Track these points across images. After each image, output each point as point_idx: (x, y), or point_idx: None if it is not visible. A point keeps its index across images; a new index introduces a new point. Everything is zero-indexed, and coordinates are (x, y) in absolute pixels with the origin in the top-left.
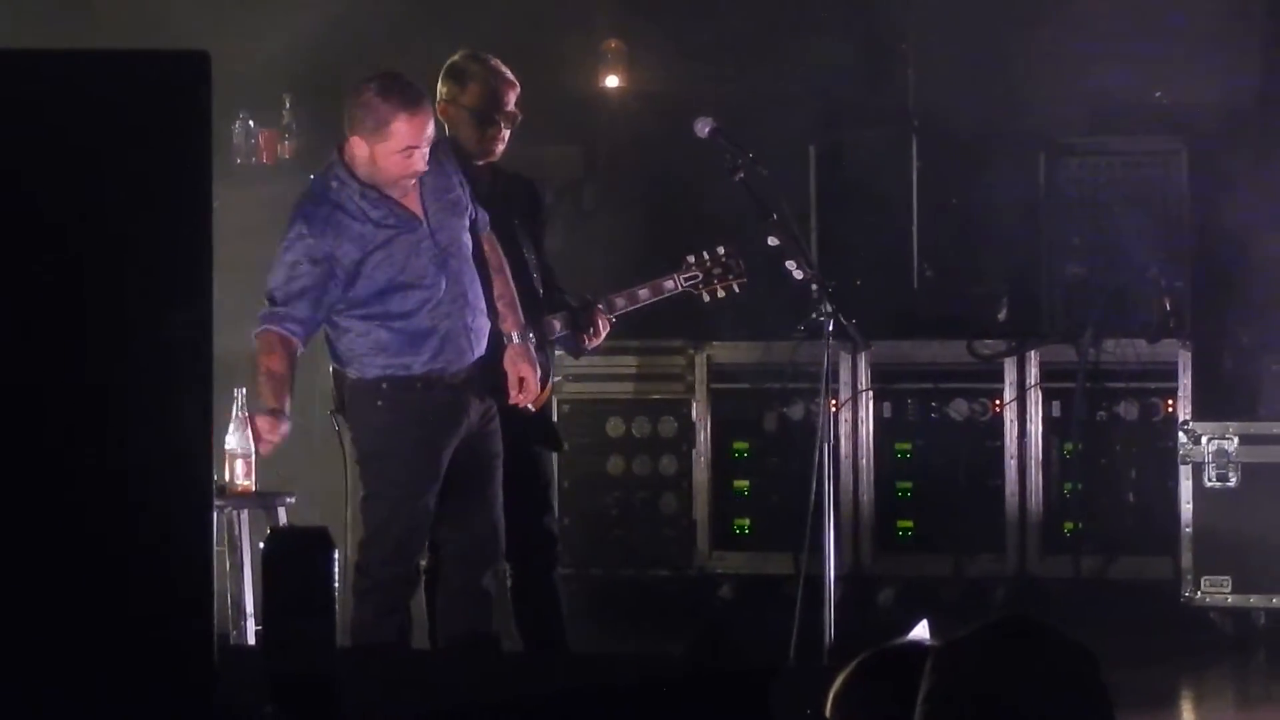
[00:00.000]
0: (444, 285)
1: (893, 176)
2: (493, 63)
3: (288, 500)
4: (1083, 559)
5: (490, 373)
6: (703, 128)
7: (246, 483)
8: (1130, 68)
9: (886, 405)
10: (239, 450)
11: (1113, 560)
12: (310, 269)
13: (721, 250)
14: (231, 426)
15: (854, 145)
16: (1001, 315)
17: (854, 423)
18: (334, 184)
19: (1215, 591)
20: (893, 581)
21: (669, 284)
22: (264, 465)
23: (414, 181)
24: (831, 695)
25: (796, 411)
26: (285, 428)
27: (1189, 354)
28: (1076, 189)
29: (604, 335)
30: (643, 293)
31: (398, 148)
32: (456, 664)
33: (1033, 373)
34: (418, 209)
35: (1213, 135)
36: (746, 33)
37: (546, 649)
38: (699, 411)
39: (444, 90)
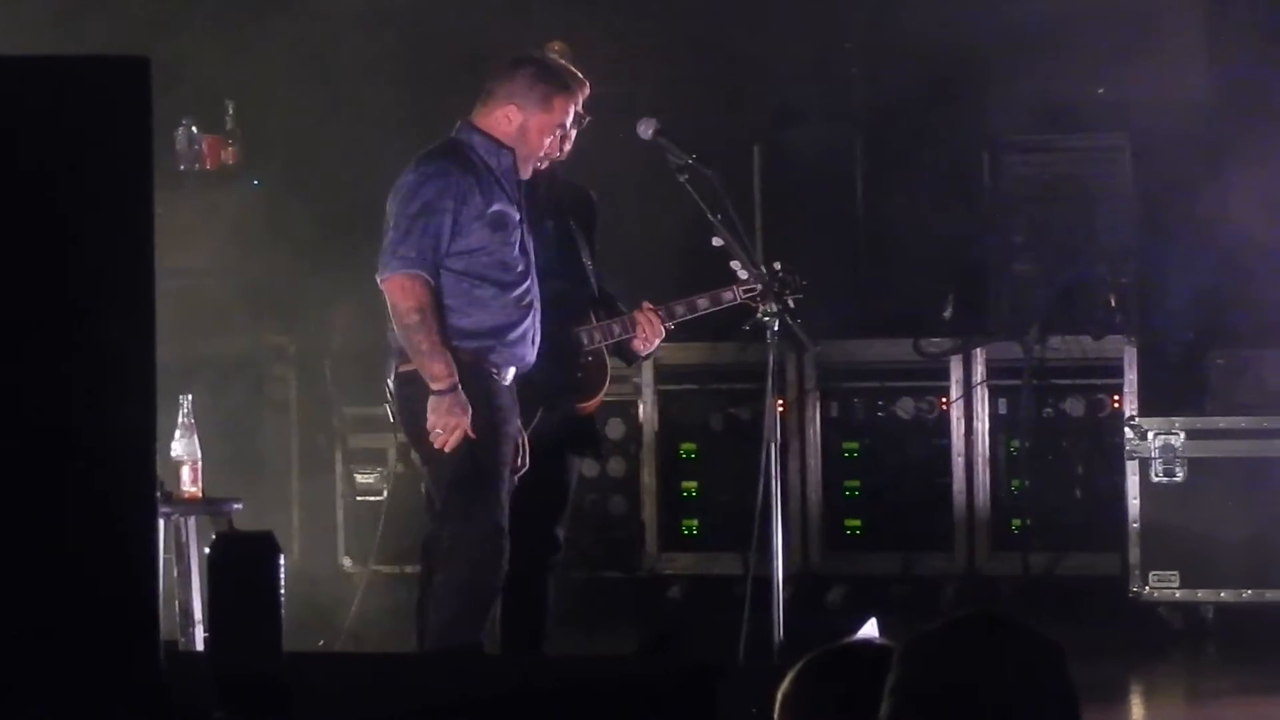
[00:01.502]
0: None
1: (838, 176)
2: (561, 63)
3: (235, 506)
4: (1031, 556)
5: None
6: (646, 129)
7: (193, 489)
8: (1075, 65)
9: (833, 405)
10: (185, 456)
11: (1061, 556)
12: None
13: (779, 265)
14: (178, 433)
15: (798, 145)
16: (947, 313)
17: (801, 422)
18: (463, 137)
19: (1163, 586)
20: (841, 580)
21: (728, 295)
22: (211, 471)
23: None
24: (780, 695)
25: (743, 412)
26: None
27: (1135, 350)
28: (1021, 186)
29: (659, 341)
30: (701, 302)
31: (555, 122)
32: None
33: (979, 370)
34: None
35: (1158, 132)
36: (690, 34)
37: (523, 650)
38: (646, 413)
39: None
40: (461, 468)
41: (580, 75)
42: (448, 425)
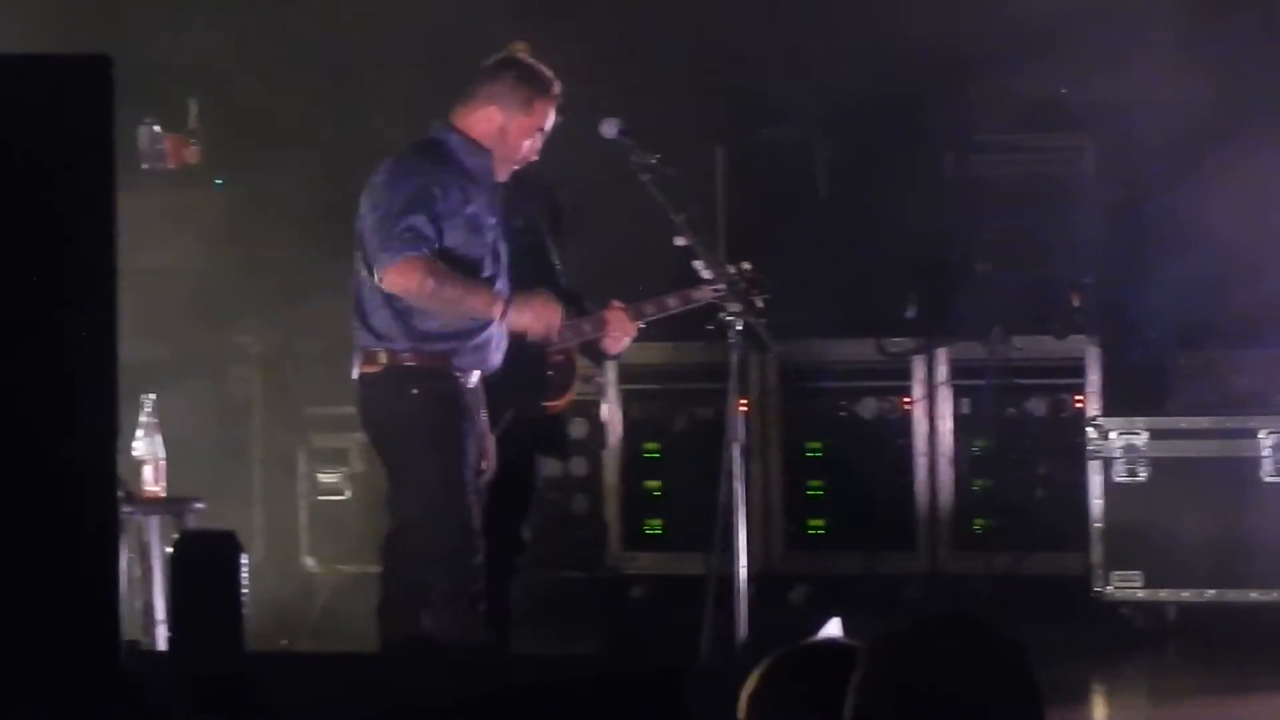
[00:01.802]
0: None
1: (801, 176)
2: (541, 66)
3: (197, 505)
4: (994, 555)
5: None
6: (610, 128)
7: (156, 488)
8: (1038, 65)
9: (796, 404)
10: (147, 455)
11: (1024, 556)
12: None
13: (747, 265)
14: (140, 432)
15: (762, 145)
16: (910, 313)
17: (764, 422)
18: (441, 137)
19: (1126, 586)
20: (804, 580)
21: (698, 294)
22: (173, 470)
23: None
24: (744, 694)
25: (706, 412)
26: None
27: (1097, 350)
28: (985, 186)
29: (628, 340)
30: (671, 301)
31: (535, 125)
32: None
33: (942, 370)
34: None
35: (1120, 132)
36: (654, 33)
37: (487, 650)
38: (609, 413)
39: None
40: (425, 470)
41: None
42: (551, 325)
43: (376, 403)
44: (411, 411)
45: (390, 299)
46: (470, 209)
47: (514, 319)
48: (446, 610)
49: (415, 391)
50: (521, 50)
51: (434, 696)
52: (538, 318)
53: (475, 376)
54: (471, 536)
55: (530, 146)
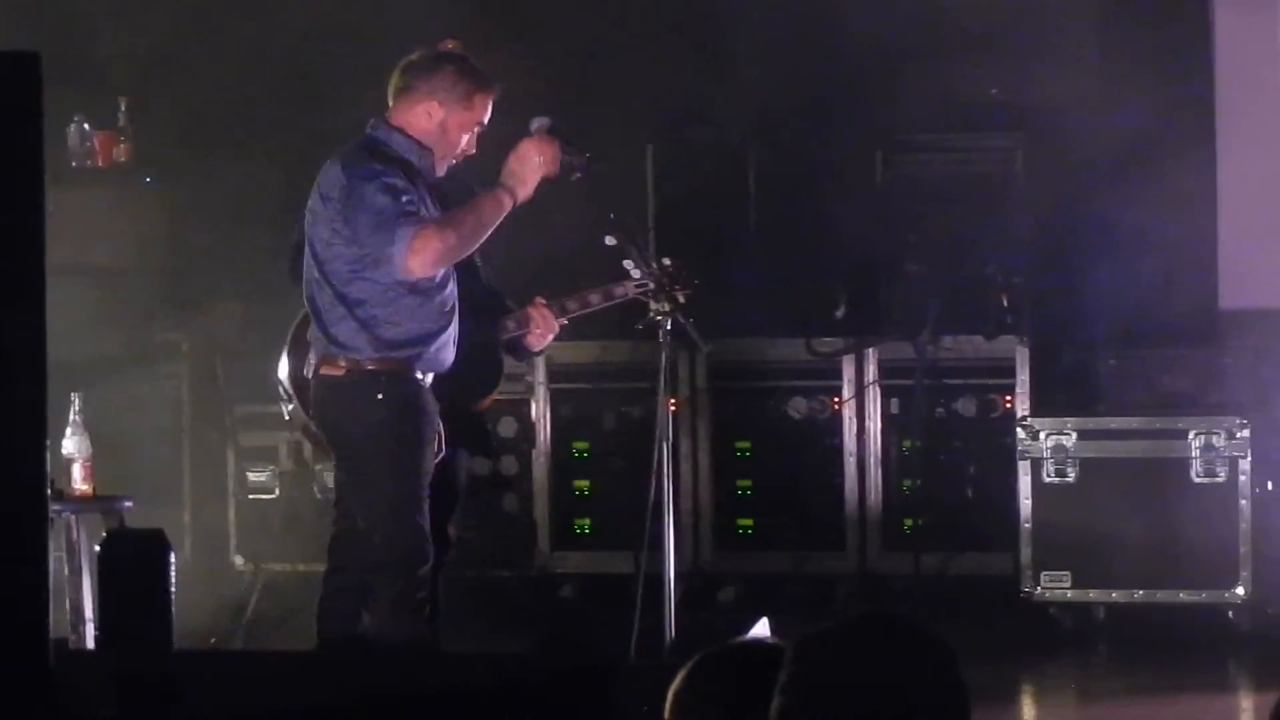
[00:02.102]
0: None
1: (730, 176)
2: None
3: (126, 504)
4: (922, 555)
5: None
6: (539, 126)
7: (84, 487)
8: (968, 65)
9: (725, 404)
10: (76, 454)
11: (952, 556)
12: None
13: (669, 261)
14: (69, 430)
15: (692, 145)
16: (840, 313)
17: (693, 421)
18: (380, 135)
19: (1055, 586)
20: (733, 579)
21: (620, 290)
22: (101, 468)
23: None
24: (670, 694)
25: (636, 411)
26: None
27: (1027, 350)
28: (914, 186)
29: (552, 337)
30: (594, 297)
31: (475, 120)
32: (302, 664)
33: (871, 370)
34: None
35: (1050, 132)
36: (583, 33)
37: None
38: (539, 411)
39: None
40: (390, 472)
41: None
42: (552, 153)
43: (337, 405)
44: (374, 415)
45: (354, 309)
46: (427, 205)
47: (521, 170)
48: (393, 613)
49: (380, 396)
50: (453, 47)
51: (363, 696)
52: (541, 154)
53: (430, 377)
54: (425, 541)
55: (469, 141)
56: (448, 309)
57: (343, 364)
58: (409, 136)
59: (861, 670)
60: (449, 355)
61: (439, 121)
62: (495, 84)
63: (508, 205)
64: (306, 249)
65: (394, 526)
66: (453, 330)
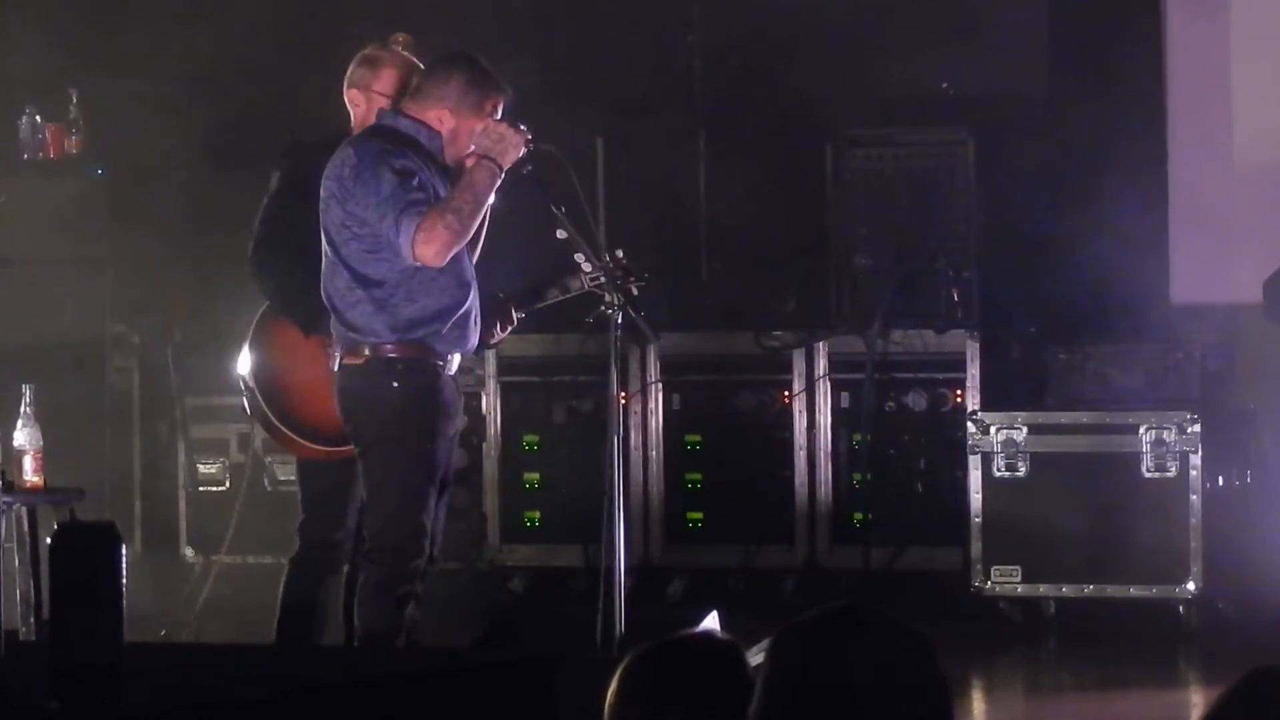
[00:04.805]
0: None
1: (680, 168)
2: (406, 53)
3: (76, 496)
4: (872, 549)
5: None
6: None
7: (35, 479)
8: (917, 59)
9: (675, 397)
10: (27, 446)
11: (902, 550)
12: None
13: (620, 253)
14: (20, 422)
15: (641, 137)
16: (789, 307)
17: (643, 415)
18: (388, 122)
19: (1005, 581)
20: (682, 573)
21: (575, 284)
22: (53, 461)
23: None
24: (613, 685)
25: (586, 404)
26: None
27: (977, 344)
28: (863, 179)
29: (508, 330)
30: (550, 291)
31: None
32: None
33: (821, 364)
34: None
35: (999, 126)
36: (530, 24)
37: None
38: (488, 404)
39: (358, 77)
40: (399, 462)
41: (415, 62)
42: (514, 139)
43: (355, 392)
44: (389, 403)
45: (371, 290)
46: (436, 186)
47: (496, 146)
48: (375, 598)
49: (395, 384)
50: (404, 41)
51: (310, 687)
52: (492, 135)
53: (455, 361)
54: (422, 536)
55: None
56: (466, 279)
57: (365, 352)
58: (419, 121)
59: (840, 663)
60: (471, 334)
61: (450, 129)
62: (506, 87)
63: (498, 175)
64: (322, 237)
65: (394, 517)
66: (472, 305)
